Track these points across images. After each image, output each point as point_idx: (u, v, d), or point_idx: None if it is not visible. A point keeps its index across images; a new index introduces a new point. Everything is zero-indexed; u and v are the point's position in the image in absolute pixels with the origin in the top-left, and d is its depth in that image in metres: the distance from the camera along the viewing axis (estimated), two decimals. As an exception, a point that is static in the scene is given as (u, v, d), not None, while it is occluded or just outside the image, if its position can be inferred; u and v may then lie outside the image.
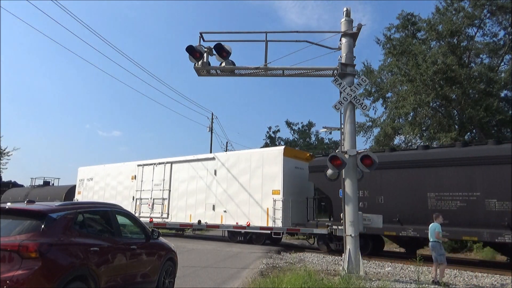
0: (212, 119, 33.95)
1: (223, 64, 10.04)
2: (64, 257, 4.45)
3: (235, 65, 10.15)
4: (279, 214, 15.67)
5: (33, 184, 31.46)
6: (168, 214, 19.51)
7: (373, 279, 8.99)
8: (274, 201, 15.87)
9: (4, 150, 32.43)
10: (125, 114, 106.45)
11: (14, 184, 34.46)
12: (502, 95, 22.98)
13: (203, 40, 10.21)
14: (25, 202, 5.19)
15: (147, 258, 6.20)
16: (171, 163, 20.13)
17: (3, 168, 33.89)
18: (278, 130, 59.03)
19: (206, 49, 10.08)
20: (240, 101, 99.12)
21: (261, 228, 16.30)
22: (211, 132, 33.52)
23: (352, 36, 9.91)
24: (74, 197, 25.01)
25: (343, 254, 9.30)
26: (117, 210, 6.20)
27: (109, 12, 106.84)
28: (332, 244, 14.97)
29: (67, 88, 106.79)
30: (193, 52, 9.90)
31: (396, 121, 25.10)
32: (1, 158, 32.53)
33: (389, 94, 26.70)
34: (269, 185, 16.20)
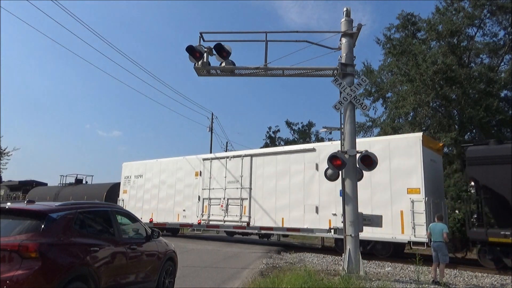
0: (212, 119, 33.97)
1: (223, 64, 10.04)
2: (64, 257, 4.45)
3: (235, 65, 10.14)
4: (421, 219, 12.29)
5: (63, 183, 28.85)
6: (249, 217, 16.49)
7: (373, 279, 8.99)
8: (412, 202, 12.55)
9: (4, 150, 32.40)
10: (125, 114, 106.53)
11: (37, 183, 32.27)
12: (502, 95, 23.00)
13: (203, 40, 10.21)
14: (25, 202, 5.18)
15: (147, 258, 6.20)
16: (251, 156, 17.17)
17: (3, 168, 33.82)
18: (278, 130, 58.99)
19: (206, 49, 10.07)
20: (240, 101, 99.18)
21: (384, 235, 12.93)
22: (211, 132, 33.53)
23: (352, 36, 9.91)
24: (118, 197, 22.69)
25: (343, 254, 9.30)
26: (117, 210, 6.21)
27: (109, 12, 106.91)
28: (508, 259, 11.32)
29: (67, 88, 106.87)
30: (193, 52, 9.90)
31: (396, 121, 25.11)
32: (1, 158, 32.49)
33: (389, 94, 26.73)
34: (402, 182, 13.00)
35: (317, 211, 14.72)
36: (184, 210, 19.12)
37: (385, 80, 26.75)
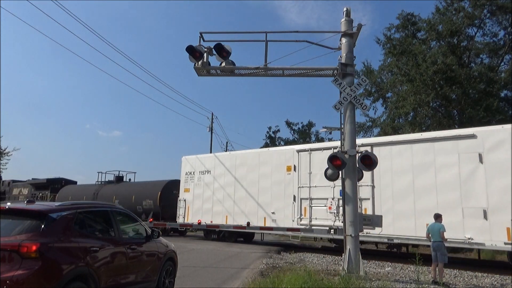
0: (212, 119, 33.96)
1: (223, 64, 10.04)
2: (64, 257, 4.45)
3: (235, 65, 10.14)
4: None
5: (101, 180, 26.44)
6: None
7: (373, 279, 8.99)
8: None
9: (4, 150, 32.39)
10: (125, 114, 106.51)
11: (66, 181, 30.03)
12: (502, 95, 23.01)
13: (203, 40, 10.21)
14: (25, 202, 5.18)
15: (147, 258, 6.20)
16: (371, 145, 13.71)
17: (3, 168, 33.78)
18: (278, 130, 59.01)
19: (206, 49, 10.07)
20: (240, 101, 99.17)
21: None
22: (211, 132, 33.53)
23: (352, 36, 9.91)
24: (175, 196, 20.53)
25: (343, 254, 9.30)
26: (117, 210, 6.20)
27: (109, 12, 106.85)
28: None
29: (67, 88, 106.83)
30: (193, 52, 9.89)
31: (396, 121, 25.12)
32: (1, 158, 32.47)
33: (389, 94, 26.75)
34: None
35: (485, 217, 11.38)
36: (273, 213, 16.04)
37: (385, 80, 26.77)
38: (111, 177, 26.37)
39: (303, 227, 14.99)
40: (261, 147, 58.42)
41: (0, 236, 4.19)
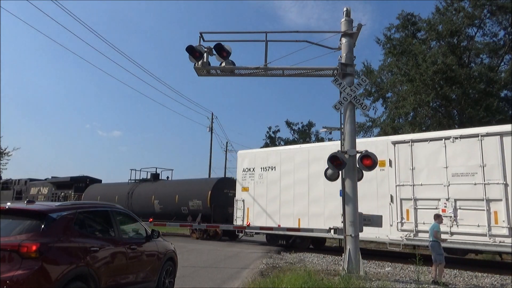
0: (212, 119, 33.97)
1: (223, 64, 10.03)
2: (64, 257, 4.45)
3: (235, 65, 10.14)
4: None
5: (134, 179, 23.84)
6: (511, 227, 10.62)
7: (373, 279, 8.99)
8: None
9: (4, 150, 32.39)
10: (125, 114, 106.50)
11: (91, 179, 27.65)
12: (502, 95, 23.01)
13: (203, 40, 10.21)
14: (25, 202, 5.19)
15: (147, 258, 6.20)
16: (500, 134, 11.19)
17: (3, 168, 33.71)
18: (278, 130, 59.04)
19: (206, 49, 10.07)
20: (240, 101, 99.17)
21: None
22: (211, 132, 33.54)
23: (352, 36, 9.91)
24: (229, 196, 19.04)
25: (343, 254, 9.30)
26: (117, 210, 6.20)
27: (109, 12, 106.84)
28: None
29: (67, 88, 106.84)
30: (193, 52, 9.89)
31: (396, 121, 25.12)
32: (1, 158, 32.45)
33: (389, 94, 26.75)
34: None
35: None
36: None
37: (385, 80, 26.77)
38: (143, 175, 24.09)
39: (405, 233, 12.67)
40: (261, 147, 58.51)
41: (0, 236, 4.19)
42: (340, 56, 9.89)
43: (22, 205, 4.99)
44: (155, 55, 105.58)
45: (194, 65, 10.07)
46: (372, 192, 13.51)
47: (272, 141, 58.16)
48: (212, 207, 18.99)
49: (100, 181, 28.06)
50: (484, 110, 19.99)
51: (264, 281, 7.79)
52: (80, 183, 26.97)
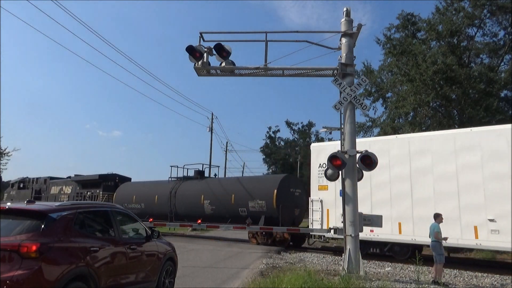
0: (212, 119, 33.95)
1: (223, 64, 10.04)
2: (64, 257, 4.45)
3: (235, 65, 10.14)
4: None
5: (176, 176, 21.50)
6: None
7: (373, 279, 8.99)
8: None
9: (4, 150, 32.33)
10: (125, 114, 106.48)
11: (121, 177, 25.19)
12: (502, 95, 23.01)
13: (203, 40, 10.21)
14: (25, 202, 5.19)
15: (147, 258, 6.20)
16: None
17: (3, 168, 33.59)
18: (278, 130, 59.12)
19: (206, 49, 10.07)
20: (240, 101, 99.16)
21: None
22: (211, 132, 33.53)
23: (352, 36, 9.91)
24: (295, 196, 17.48)
25: (343, 254, 9.30)
26: (117, 210, 6.20)
27: (109, 12, 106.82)
28: None
29: (67, 88, 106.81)
30: (193, 52, 9.89)
31: (396, 121, 25.11)
32: (1, 158, 32.38)
33: (389, 94, 26.74)
34: None
35: None
36: (492, 220, 11.16)
37: (385, 80, 26.76)
38: (185, 172, 21.70)
39: None
40: (261, 147, 58.60)
41: (0, 236, 4.19)
42: (340, 56, 9.89)
43: (22, 205, 4.99)
44: (155, 55, 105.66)
45: (194, 65, 10.08)
46: (504, 192, 11.26)
47: (272, 141, 58.12)
48: (279, 208, 16.28)
49: (129, 179, 25.84)
50: (484, 110, 19.98)
51: (264, 281, 7.79)
52: (109, 182, 24.74)
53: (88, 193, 24.98)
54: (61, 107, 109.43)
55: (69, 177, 27.70)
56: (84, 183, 25.75)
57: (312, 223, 14.81)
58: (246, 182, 18.75)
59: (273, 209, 16.48)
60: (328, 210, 14.57)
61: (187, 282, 8.13)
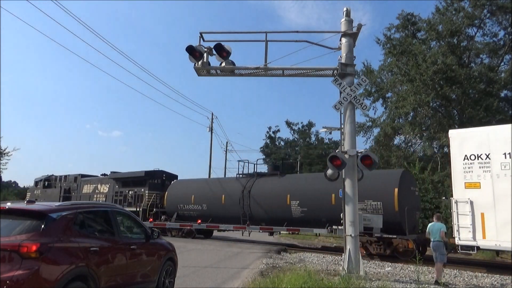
0: (212, 119, 33.93)
1: (223, 64, 10.03)
2: (64, 257, 4.45)
3: (235, 65, 10.14)
4: None
5: (246, 173, 19.23)
6: None
7: (373, 279, 8.99)
8: None
9: (4, 150, 32.32)
10: (125, 114, 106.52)
11: (168, 175, 22.99)
12: (502, 95, 23.03)
13: (203, 40, 10.21)
14: (25, 202, 5.19)
15: (147, 258, 6.20)
16: None
17: (3, 168, 33.53)
18: (278, 130, 59.11)
19: (206, 49, 10.07)
20: (240, 101, 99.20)
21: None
22: (211, 132, 33.52)
23: (352, 36, 9.91)
24: (420, 197, 15.20)
25: (343, 254, 9.30)
26: (117, 210, 6.20)
27: (109, 12, 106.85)
28: None
29: (67, 88, 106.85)
30: (193, 52, 9.89)
31: (396, 121, 25.13)
32: (1, 158, 32.35)
33: (389, 94, 26.76)
34: None
35: None
36: None
37: (385, 80, 26.78)
38: (255, 168, 19.12)
39: None
40: (261, 148, 58.59)
41: (0, 236, 4.19)
42: (340, 56, 9.89)
43: (22, 205, 4.99)
44: (155, 55, 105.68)
45: (194, 65, 10.07)
46: None
47: (272, 141, 58.15)
48: (403, 212, 13.45)
49: (176, 176, 23.46)
50: (484, 110, 19.99)
51: (264, 281, 7.79)
52: (155, 179, 22.19)
53: (130, 192, 22.37)
54: (61, 107, 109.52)
55: (104, 174, 25.30)
56: (125, 181, 23.05)
57: (458, 231, 11.29)
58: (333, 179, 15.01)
59: (393, 213, 13.58)
60: (483, 214, 11.04)
61: (187, 282, 8.13)
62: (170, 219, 19.96)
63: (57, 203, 5.21)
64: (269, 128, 58.35)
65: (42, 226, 4.44)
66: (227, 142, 50.91)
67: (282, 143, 59.00)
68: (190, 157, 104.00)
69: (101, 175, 25.37)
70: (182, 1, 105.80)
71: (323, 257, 13.69)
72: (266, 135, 58.94)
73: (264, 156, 57.12)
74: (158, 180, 22.27)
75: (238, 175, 19.32)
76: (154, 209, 20.97)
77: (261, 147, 58.09)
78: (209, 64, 10.16)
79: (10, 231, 4.33)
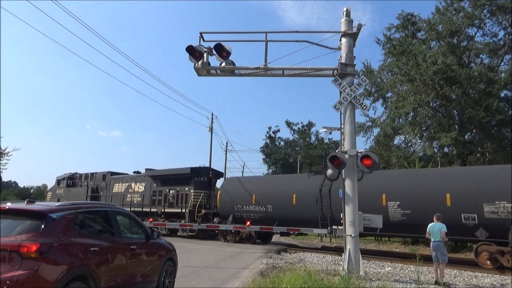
0: (212, 119, 33.90)
1: (223, 64, 10.04)
2: (64, 257, 4.45)
3: (235, 65, 10.14)
4: None
5: (313, 170, 17.67)
6: None
7: (373, 279, 8.99)
8: None
9: (4, 150, 32.32)
10: (125, 114, 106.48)
11: (215, 173, 21.55)
12: (502, 95, 23.02)
13: (203, 40, 10.21)
14: (25, 202, 5.19)
15: (147, 258, 6.20)
16: None
17: (3, 168, 33.50)
18: (278, 130, 59.11)
19: (206, 49, 10.07)
20: (240, 101, 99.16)
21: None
22: (211, 132, 33.50)
23: (352, 36, 9.91)
24: None
25: (343, 254, 9.30)
26: (117, 210, 6.19)
27: (110, 12, 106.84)
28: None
29: (67, 88, 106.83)
30: (193, 52, 9.89)
31: (396, 121, 25.12)
32: (1, 158, 32.33)
33: (389, 94, 26.76)
34: None
35: None
36: None
37: (385, 80, 26.77)
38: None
39: None
40: (261, 148, 58.60)
41: (0, 236, 4.19)
42: (340, 56, 9.89)
43: (22, 205, 4.99)
44: (155, 55, 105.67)
45: (194, 65, 10.07)
46: None
47: (272, 141, 58.14)
48: None
49: (222, 174, 22.06)
50: (484, 110, 19.98)
51: (264, 281, 7.79)
52: (201, 177, 20.08)
53: (172, 192, 20.33)
54: (61, 107, 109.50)
55: (136, 172, 23.24)
56: (165, 178, 20.93)
57: None
58: (476, 175, 12.70)
59: None
60: None
61: (187, 282, 8.13)
62: (224, 222, 17.98)
63: (57, 203, 5.20)
64: (269, 128, 58.38)
65: (42, 226, 4.44)
66: (227, 142, 50.92)
67: (282, 143, 59.00)
68: (190, 157, 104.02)
69: (133, 172, 23.53)
70: (182, 1, 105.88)
71: (323, 257, 13.70)
72: (266, 135, 58.96)
73: (264, 156, 57.17)
74: (205, 177, 20.19)
75: (310, 171, 16.90)
76: (203, 210, 19.05)
77: (261, 147, 58.11)
78: (209, 64, 10.16)
79: (10, 231, 4.33)
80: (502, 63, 24.17)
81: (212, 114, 34.40)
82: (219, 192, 19.01)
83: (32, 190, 74.70)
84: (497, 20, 23.37)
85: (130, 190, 22.51)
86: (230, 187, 18.70)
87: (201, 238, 18.69)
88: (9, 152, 32.52)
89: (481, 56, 24.70)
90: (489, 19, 23.54)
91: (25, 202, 5.18)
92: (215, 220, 18.75)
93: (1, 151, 31.78)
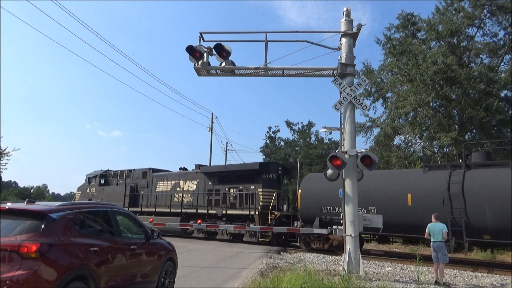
0: (212, 119, 33.90)
1: (223, 64, 10.04)
2: (64, 257, 4.45)
3: (235, 65, 10.15)
4: None
5: (435, 163, 15.78)
6: None
7: (373, 279, 8.99)
8: None
9: (4, 150, 32.34)
10: (125, 114, 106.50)
11: (284, 169, 19.22)
12: (502, 95, 23.02)
13: (203, 40, 10.21)
14: (25, 202, 5.19)
15: (147, 258, 6.20)
16: None
17: (3, 168, 33.52)
18: (278, 130, 59.07)
19: (206, 49, 10.07)
20: (240, 101, 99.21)
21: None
22: (211, 132, 33.50)
23: (352, 36, 9.91)
24: None
25: (343, 254, 9.30)
26: (117, 210, 6.19)
27: (110, 12, 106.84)
28: None
29: (67, 88, 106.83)
30: (193, 52, 9.89)
31: (396, 121, 25.12)
32: (1, 158, 32.35)
33: (389, 94, 26.76)
34: None
35: None
36: None
37: (385, 80, 26.78)
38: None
39: None
40: (261, 148, 58.60)
41: (0, 236, 4.19)
42: (340, 56, 9.89)
43: (22, 205, 4.99)
44: (155, 56, 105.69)
45: (194, 65, 10.08)
46: None
47: (272, 141, 58.16)
48: None
49: (289, 170, 19.98)
50: (484, 110, 19.98)
51: (264, 281, 7.79)
52: (270, 174, 17.49)
53: (233, 191, 17.93)
54: (61, 107, 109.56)
55: (183, 168, 21.04)
56: (224, 175, 18.59)
57: None
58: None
59: None
60: None
61: (187, 282, 8.13)
62: (308, 226, 15.45)
63: (57, 203, 5.20)
64: (269, 128, 58.33)
65: (42, 226, 4.44)
66: (227, 142, 50.92)
67: (282, 143, 58.97)
68: (190, 157, 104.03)
69: (180, 169, 21.21)
70: (182, 1, 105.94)
71: (323, 257, 13.70)
72: (266, 135, 58.88)
73: (264, 156, 57.13)
74: (273, 174, 17.63)
75: (425, 166, 13.77)
76: (276, 212, 16.48)
77: (261, 147, 58.08)
78: (209, 64, 10.16)
79: (10, 231, 4.33)
80: (502, 63, 24.20)
81: (212, 114, 34.44)
82: (299, 191, 16.38)
83: (32, 190, 74.80)
84: (497, 20, 23.38)
85: (178, 188, 20.24)
86: (313, 185, 15.91)
87: (275, 244, 16.38)
88: (9, 152, 32.56)
89: (481, 56, 24.72)
90: (489, 19, 23.57)
91: (25, 202, 5.18)
92: (295, 224, 16.42)
93: (1, 151, 31.81)
